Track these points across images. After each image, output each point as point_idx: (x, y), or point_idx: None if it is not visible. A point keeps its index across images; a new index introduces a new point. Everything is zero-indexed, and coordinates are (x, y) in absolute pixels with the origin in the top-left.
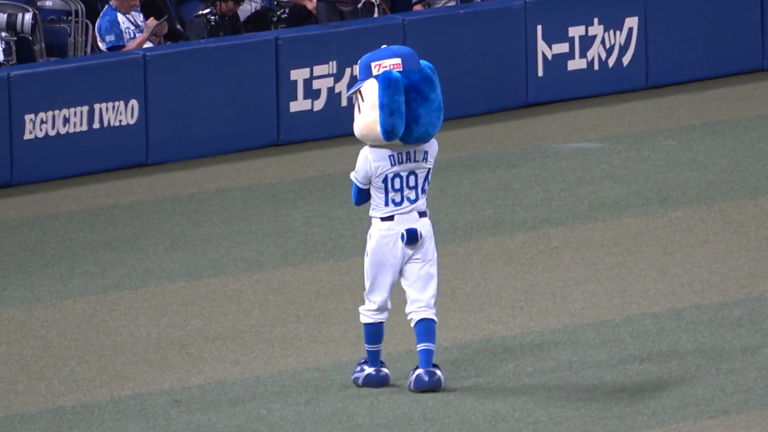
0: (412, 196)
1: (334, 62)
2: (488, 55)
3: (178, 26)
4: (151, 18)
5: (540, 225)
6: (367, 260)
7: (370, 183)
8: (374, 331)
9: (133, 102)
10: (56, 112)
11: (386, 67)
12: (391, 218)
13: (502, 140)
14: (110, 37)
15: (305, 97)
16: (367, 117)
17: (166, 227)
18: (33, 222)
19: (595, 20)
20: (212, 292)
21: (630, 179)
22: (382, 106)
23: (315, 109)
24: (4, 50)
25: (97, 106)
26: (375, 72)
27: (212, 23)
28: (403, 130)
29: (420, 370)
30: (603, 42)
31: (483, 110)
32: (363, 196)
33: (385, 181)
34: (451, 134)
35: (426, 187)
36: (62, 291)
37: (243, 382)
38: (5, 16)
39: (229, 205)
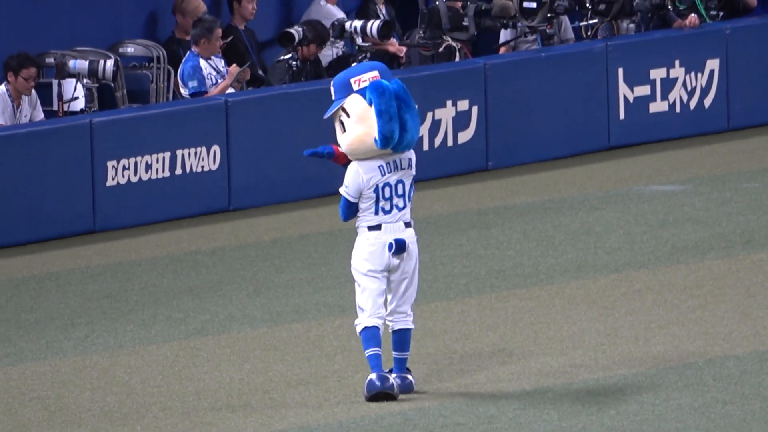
0: (401, 204)
1: (416, 106)
2: (570, 98)
3: (260, 71)
4: (234, 64)
5: (622, 268)
6: (354, 272)
7: (360, 196)
8: (371, 335)
9: (216, 148)
10: (138, 158)
11: (366, 81)
12: (378, 227)
13: (584, 183)
14: (193, 83)
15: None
16: (356, 131)
17: (249, 273)
18: (116, 268)
19: (677, 62)
20: (295, 337)
21: (712, 221)
22: (380, 113)
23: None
24: (86, 97)
25: (179, 152)
26: (356, 87)
27: (294, 68)
28: (398, 135)
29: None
30: (684, 84)
31: (565, 153)
32: (352, 211)
33: (376, 191)
34: (533, 177)
35: (411, 194)
36: (145, 337)
37: (326, 427)
38: (87, 62)
39: (312, 250)
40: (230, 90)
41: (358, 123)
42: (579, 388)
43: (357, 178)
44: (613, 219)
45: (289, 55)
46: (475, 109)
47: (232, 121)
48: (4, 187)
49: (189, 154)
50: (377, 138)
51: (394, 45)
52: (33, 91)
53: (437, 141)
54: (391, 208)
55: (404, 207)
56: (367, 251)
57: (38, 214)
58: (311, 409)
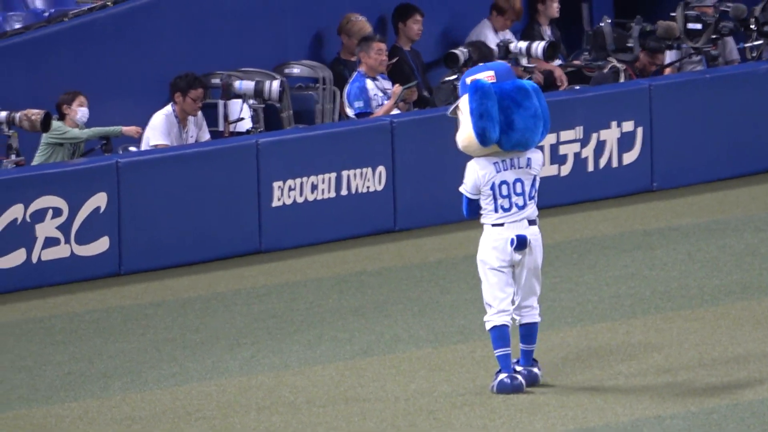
0: (520, 202)
1: (581, 127)
2: (735, 118)
3: (426, 92)
4: (398, 84)
5: None
6: (480, 266)
7: (479, 193)
8: (499, 335)
9: (381, 168)
10: (304, 179)
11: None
12: (501, 225)
13: (749, 204)
14: (358, 104)
15: (552, 162)
16: (467, 128)
17: (414, 293)
18: (281, 289)
19: None
20: (460, 357)
21: None
22: (471, 111)
23: (561, 174)
24: (252, 118)
25: (344, 173)
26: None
27: (458, 89)
28: (496, 134)
29: (504, 374)
30: None
31: (730, 174)
32: (473, 208)
33: (492, 188)
34: (698, 198)
35: (534, 194)
36: (311, 357)
37: None
38: (253, 83)
39: (476, 271)
40: (396, 111)
41: (468, 120)
42: (743, 410)
43: (474, 175)
44: None
45: (455, 76)
46: (639, 130)
47: (397, 142)
48: (170, 207)
49: (354, 175)
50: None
51: (556, 69)
52: (199, 111)
53: (602, 162)
54: (511, 206)
55: (524, 205)
56: (491, 246)
57: (204, 235)
58: (476, 430)
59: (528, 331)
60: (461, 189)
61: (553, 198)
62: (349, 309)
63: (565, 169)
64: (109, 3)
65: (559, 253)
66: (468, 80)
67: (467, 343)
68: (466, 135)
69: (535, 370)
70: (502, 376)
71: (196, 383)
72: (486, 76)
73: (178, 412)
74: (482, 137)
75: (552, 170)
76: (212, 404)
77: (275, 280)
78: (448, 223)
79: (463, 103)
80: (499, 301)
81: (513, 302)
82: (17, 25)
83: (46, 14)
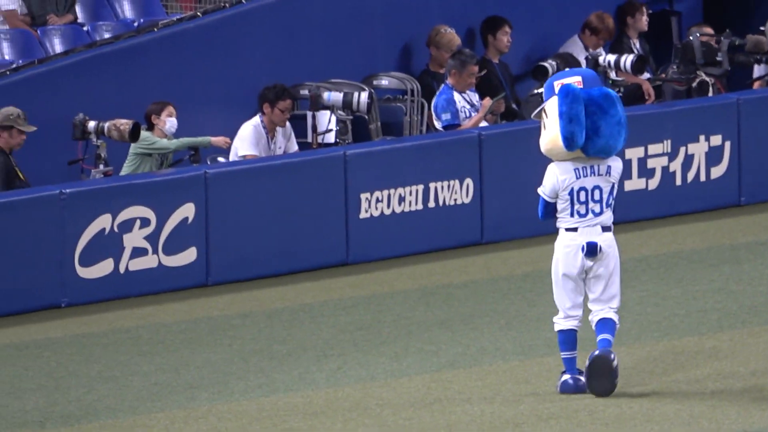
0: (597, 209)
1: (669, 141)
2: None
3: (514, 105)
4: (487, 98)
5: None
6: (552, 270)
7: (557, 197)
8: (566, 338)
9: (468, 181)
10: (392, 191)
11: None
12: (575, 230)
13: None
14: (446, 116)
15: (639, 176)
16: (552, 132)
17: (501, 306)
18: (368, 300)
19: None
20: (546, 371)
21: None
22: (561, 114)
23: (649, 188)
24: (340, 129)
25: (432, 185)
26: (557, 89)
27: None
28: (582, 139)
29: (568, 375)
30: None
31: None
32: (549, 211)
33: (570, 193)
34: None
35: (611, 201)
36: (397, 369)
37: None
38: (341, 95)
39: None
40: (484, 123)
41: (553, 124)
42: None
43: (553, 179)
44: None
45: (543, 89)
46: (728, 145)
47: (485, 154)
48: (258, 218)
49: (442, 187)
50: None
51: (644, 83)
52: (288, 123)
53: (690, 176)
54: (587, 212)
55: (601, 212)
56: (563, 252)
57: (292, 246)
58: None
59: (603, 323)
60: (539, 191)
61: (641, 212)
62: (435, 321)
63: (653, 183)
64: (198, 13)
65: (646, 267)
66: (555, 84)
67: (554, 356)
68: (550, 138)
69: (612, 356)
70: (566, 377)
71: (283, 394)
72: (573, 81)
73: (264, 423)
74: (569, 141)
75: (640, 184)
76: (299, 415)
77: (362, 291)
78: (535, 236)
79: (549, 107)
80: (568, 306)
81: (584, 307)
82: (107, 35)
83: (136, 24)
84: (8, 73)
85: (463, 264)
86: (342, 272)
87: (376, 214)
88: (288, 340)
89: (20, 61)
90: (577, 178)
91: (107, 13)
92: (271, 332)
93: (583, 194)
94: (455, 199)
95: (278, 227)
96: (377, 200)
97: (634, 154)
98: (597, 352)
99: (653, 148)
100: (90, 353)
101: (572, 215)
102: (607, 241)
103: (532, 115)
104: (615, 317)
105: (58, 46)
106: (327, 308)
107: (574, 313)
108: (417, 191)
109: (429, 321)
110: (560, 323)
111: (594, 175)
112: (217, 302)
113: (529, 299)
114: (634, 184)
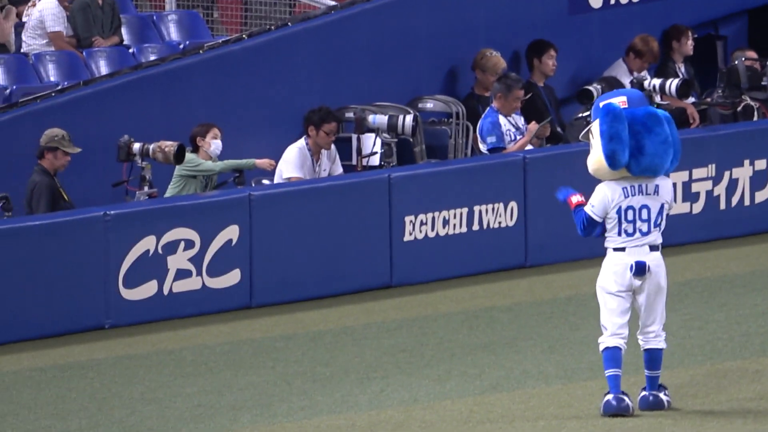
0: (644, 228)
1: (713, 165)
2: None
3: (559, 128)
4: (533, 122)
5: None
6: (598, 290)
7: (605, 216)
8: (611, 356)
9: (513, 204)
10: (436, 213)
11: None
12: (622, 249)
13: None
14: (491, 139)
15: (684, 200)
16: (597, 151)
17: (544, 329)
18: (412, 323)
19: None
20: (589, 394)
21: None
22: (602, 134)
23: (693, 212)
24: (384, 152)
25: (476, 208)
26: None
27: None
28: (626, 158)
29: (611, 395)
30: None
31: None
32: (592, 228)
33: (618, 212)
34: None
35: (660, 222)
36: (440, 392)
37: None
38: (386, 117)
39: None
40: (529, 146)
41: (598, 144)
42: None
43: (602, 198)
44: None
45: (588, 112)
46: None
47: (529, 178)
48: (302, 241)
49: (486, 210)
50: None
51: (689, 107)
52: (333, 145)
53: (734, 200)
54: (634, 231)
55: (648, 231)
56: (611, 271)
57: (335, 269)
58: None
59: (651, 357)
60: (587, 209)
61: (685, 235)
62: (478, 344)
63: (697, 207)
64: (244, 36)
65: (690, 291)
66: (601, 104)
67: (597, 380)
68: (596, 158)
69: (662, 395)
70: (609, 397)
71: (326, 416)
72: (618, 101)
73: None
74: (611, 160)
75: (684, 208)
76: None
77: (405, 314)
78: (578, 260)
79: (595, 127)
80: (615, 326)
81: (632, 326)
82: (152, 57)
83: (181, 46)
84: (54, 94)
85: (507, 287)
86: (385, 295)
87: (420, 236)
88: (331, 363)
89: (66, 83)
90: (625, 197)
91: (153, 35)
92: (314, 354)
93: (630, 213)
94: (499, 222)
95: (322, 249)
96: (421, 223)
97: (678, 177)
98: (651, 399)
99: (698, 172)
100: (133, 375)
101: (620, 234)
102: (655, 260)
103: (580, 137)
104: (663, 345)
105: (103, 67)
106: (370, 331)
107: (621, 331)
108: (461, 214)
109: (472, 344)
110: (606, 341)
111: (642, 194)
112: (260, 324)
113: (573, 323)
114: (679, 208)
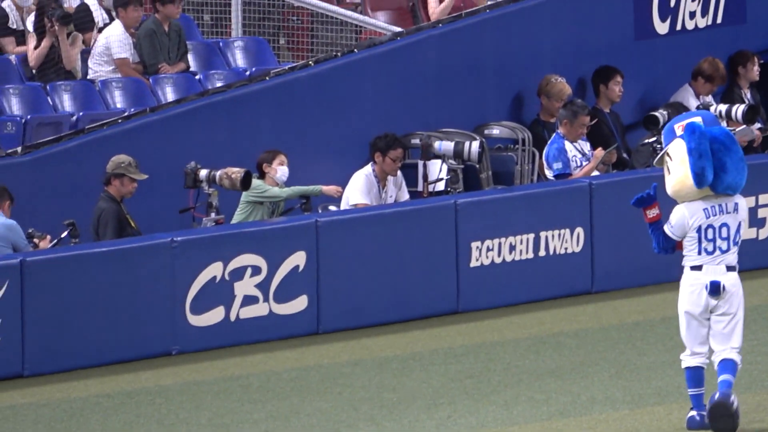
0: (724, 246)
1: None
2: None
3: (625, 154)
4: (599, 147)
5: None
6: (678, 306)
7: (683, 236)
8: (692, 375)
9: (579, 230)
10: (502, 239)
11: None
12: (699, 268)
13: None
14: (557, 165)
15: (750, 226)
16: (678, 173)
17: (611, 355)
18: (478, 349)
19: None
20: (656, 420)
21: None
22: (690, 151)
23: (760, 238)
24: (451, 178)
25: (543, 234)
26: (678, 132)
27: (658, 151)
28: (712, 175)
29: (694, 412)
30: None
31: None
32: (668, 246)
33: (699, 231)
34: None
35: (738, 239)
36: (507, 418)
37: None
38: (452, 144)
39: (674, 332)
40: (595, 172)
41: (679, 165)
42: None
43: (682, 219)
44: None
45: (654, 138)
46: None
47: (596, 204)
48: (368, 267)
49: (552, 236)
50: (691, 176)
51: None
52: (399, 171)
53: None
54: (714, 250)
55: (728, 250)
56: (688, 291)
57: (402, 295)
58: None
59: (724, 364)
60: (666, 228)
61: (752, 261)
62: (545, 370)
63: (764, 233)
64: (310, 62)
65: (757, 317)
66: (676, 126)
67: (664, 405)
68: (678, 179)
69: (733, 397)
70: (693, 413)
71: None
72: (696, 121)
73: None
74: (699, 177)
75: (750, 233)
76: None
77: (472, 340)
78: (645, 285)
79: (673, 150)
80: (695, 344)
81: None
82: (219, 84)
83: (248, 73)
84: (120, 121)
85: (574, 313)
86: (452, 320)
87: (486, 262)
88: (398, 389)
89: (132, 110)
90: (706, 217)
91: (219, 61)
92: (381, 380)
93: (710, 231)
94: (566, 248)
95: (389, 275)
96: (488, 249)
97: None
98: (717, 396)
99: (764, 198)
100: (200, 401)
101: (699, 253)
102: (731, 280)
103: (654, 162)
104: (737, 357)
105: (170, 94)
106: (437, 356)
107: (700, 350)
108: (527, 240)
109: (539, 369)
110: (687, 360)
111: (723, 213)
112: (327, 350)
113: (640, 348)
114: (745, 233)
